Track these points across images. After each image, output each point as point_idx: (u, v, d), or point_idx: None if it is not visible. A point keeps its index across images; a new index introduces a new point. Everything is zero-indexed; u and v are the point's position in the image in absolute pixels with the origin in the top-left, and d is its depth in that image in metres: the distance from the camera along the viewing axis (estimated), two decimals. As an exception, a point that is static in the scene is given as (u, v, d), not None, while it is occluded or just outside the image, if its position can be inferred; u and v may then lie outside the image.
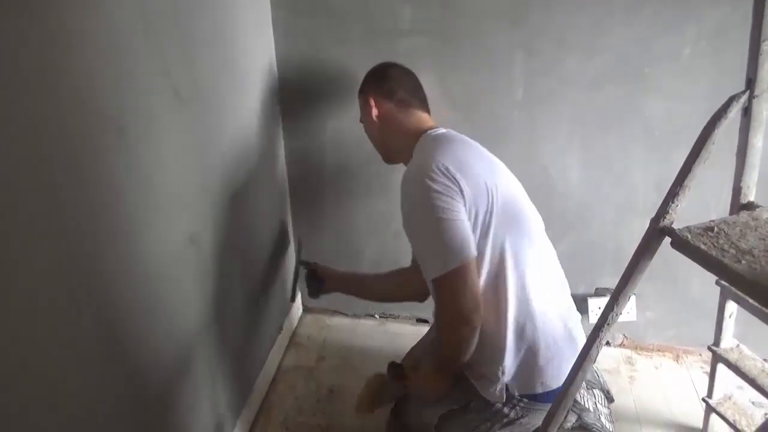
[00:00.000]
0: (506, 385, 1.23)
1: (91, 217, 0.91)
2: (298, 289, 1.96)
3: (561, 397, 1.32)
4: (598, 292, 1.97)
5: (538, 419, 1.28)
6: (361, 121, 1.47)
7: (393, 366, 1.45)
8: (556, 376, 1.22)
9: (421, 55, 1.69)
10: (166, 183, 1.14)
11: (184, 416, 1.31)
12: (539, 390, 1.22)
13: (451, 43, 1.66)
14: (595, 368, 1.78)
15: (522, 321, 1.21)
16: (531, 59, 1.65)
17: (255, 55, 1.62)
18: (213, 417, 1.47)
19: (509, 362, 1.21)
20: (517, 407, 1.25)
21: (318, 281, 1.74)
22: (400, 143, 1.36)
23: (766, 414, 1.68)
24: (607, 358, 2.01)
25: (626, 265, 1.18)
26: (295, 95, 1.83)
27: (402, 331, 2.14)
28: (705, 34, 1.53)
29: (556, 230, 1.89)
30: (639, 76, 1.61)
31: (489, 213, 1.17)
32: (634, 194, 1.79)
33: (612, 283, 1.21)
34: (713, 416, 1.64)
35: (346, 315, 2.24)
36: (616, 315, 1.20)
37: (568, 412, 1.61)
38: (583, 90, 1.66)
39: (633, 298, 1.92)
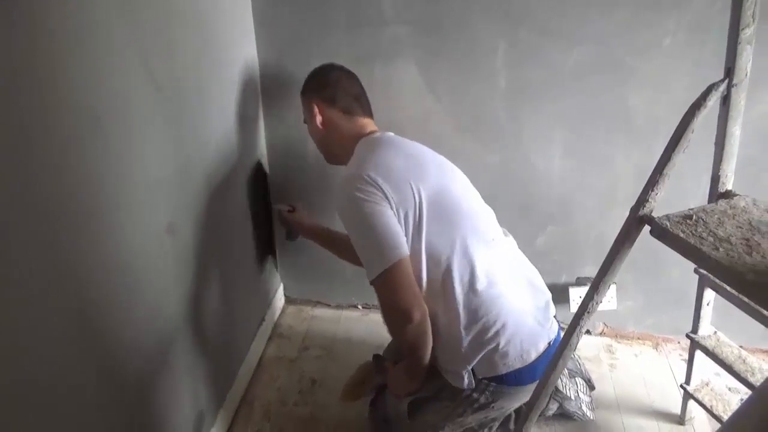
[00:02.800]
0: (471, 370, 1.25)
1: (67, 207, 0.89)
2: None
3: (542, 384, 1.33)
4: (579, 281, 1.99)
5: (510, 402, 1.29)
6: (304, 121, 1.52)
7: (376, 357, 1.47)
8: (519, 355, 1.23)
9: (404, 44, 1.68)
10: (144, 172, 1.12)
11: (164, 408, 1.30)
12: (503, 371, 1.23)
13: (434, 33, 1.65)
14: (576, 356, 1.81)
15: (473, 307, 1.22)
16: (513, 49, 1.64)
17: (235, 43, 1.60)
18: (194, 408, 1.45)
19: (468, 349, 1.23)
20: (486, 392, 1.26)
21: (291, 228, 1.86)
22: (341, 148, 1.42)
23: (742, 399, 1.71)
24: (587, 347, 2.04)
25: (607, 253, 1.19)
26: (277, 84, 1.80)
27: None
28: (685, 24, 1.54)
29: (537, 220, 1.91)
30: (620, 66, 1.62)
31: (418, 210, 1.22)
32: (616, 183, 1.80)
33: (593, 272, 1.22)
34: (691, 402, 1.67)
35: (328, 306, 2.24)
36: (597, 303, 1.21)
37: (549, 400, 1.63)
38: (565, 80, 1.66)
39: (613, 286, 1.94)
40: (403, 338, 1.23)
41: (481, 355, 1.22)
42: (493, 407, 1.28)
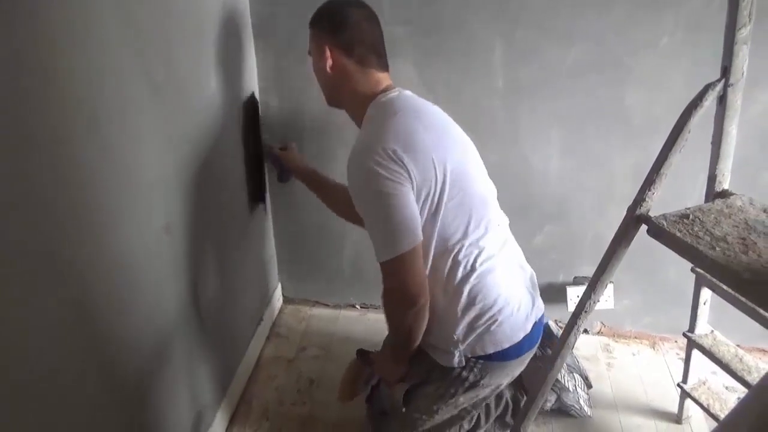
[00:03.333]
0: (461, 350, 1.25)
1: (64, 207, 0.89)
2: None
3: (540, 383, 1.34)
4: (577, 281, 2.00)
5: (496, 378, 1.29)
6: (309, 53, 1.33)
7: (360, 352, 1.47)
8: (508, 337, 1.24)
9: (401, 44, 1.68)
10: (140, 171, 1.12)
11: (163, 407, 1.30)
12: (491, 350, 1.24)
13: (432, 32, 1.65)
14: (574, 355, 1.81)
15: (473, 292, 1.21)
16: (511, 48, 1.64)
17: (233, 40, 1.60)
18: (193, 408, 1.46)
19: (462, 331, 1.23)
20: (475, 369, 1.26)
21: (283, 168, 1.77)
22: (348, 99, 1.29)
23: (738, 398, 1.71)
24: (585, 346, 2.04)
25: (604, 253, 1.19)
26: (274, 82, 1.80)
27: (382, 320, 2.13)
28: (682, 24, 1.54)
29: (535, 219, 1.91)
30: (618, 65, 1.62)
31: (438, 191, 1.15)
32: (613, 182, 1.81)
33: (590, 271, 1.23)
34: (688, 401, 1.67)
35: (326, 305, 2.24)
36: (594, 302, 1.22)
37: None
38: (563, 79, 1.66)
39: (610, 286, 1.94)
40: (401, 322, 1.22)
41: (473, 338, 1.23)
42: (482, 384, 1.28)
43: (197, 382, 1.48)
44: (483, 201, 1.25)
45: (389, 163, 1.10)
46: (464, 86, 1.73)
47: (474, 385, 1.28)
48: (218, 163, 1.52)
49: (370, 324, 2.14)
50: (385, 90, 1.25)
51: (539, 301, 1.33)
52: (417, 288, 1.14)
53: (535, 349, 1.31)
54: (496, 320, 1.22)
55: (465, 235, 1.20)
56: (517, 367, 1.31)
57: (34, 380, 0.86)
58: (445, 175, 1.16)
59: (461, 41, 1.65)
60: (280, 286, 2.22)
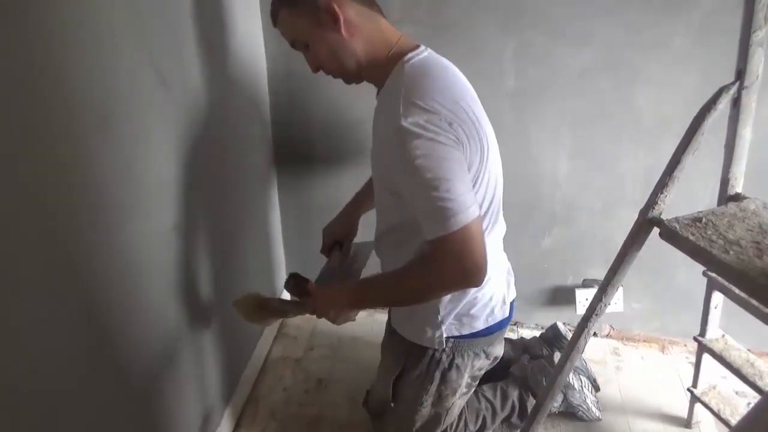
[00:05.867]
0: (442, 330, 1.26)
1: (73, 207, 0.89)
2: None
3: (548, 387, 1.33)
4: (586, 284, 1.98)
5: (465, 358, 1.30)
6: (293, 45, 1.16)
7: (294, 277, 1.28)
8: (485, 319, 1.26)
9: (411, 44, 1.68)
10: (150, 172, 1.12)
11: (171, 407, 1.30)
12: (467, 332, 1.26)
13: (441, 32, 1.65)
14: (582, 358, 1.80)
15: None
16: (522, 49, 1.64)
17: (243, 44, 1.60)
18: (200, 408, 1.46)
19: (446, 311, 1.23)
20: (446, 348, 1.27)
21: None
22: (365, 59, 1.12)
23: (749, 403, 1.70)
24: (594, 349, 2.03)
25: (614, 256, 1.19)
26: (284, 88, 1.80)
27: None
28: (695, 26, 1.53)
29: (544, 221, 1.91)
30: (629, 67, 1.61)
31: (482, 165, 1.09)
32: (622, 185, 1.80)
33: (600, 274, 1.22)
34: (698, 406, 1.66)
35: (334, 306, 2.24)
36: (605, 306, 1.21)
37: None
38: (573, 80, 1.65)
39: (620, 289, 1.93)
40: (444, 291, 1.11)
41: (455, 318, 1.24)
42: (457, 366, 1.29)
43: (205, 383, 1.48)
44: (498, 188, 1.22)
45: (447, 133, 1.00)
46: (474, 86, 1.71)
47: (450, 369, 1.29)
48: (229, 161, 1.52)
49: (378, 324, 2.13)
50: (407, 47, 1.12)
51: (513, 287, 1.36)
52: (482, 261, 1.00)
53: (505, 330, 1.35)
54: (479, 303, 1.23)
55: (483, 213, 1.14)
56: (487, 345, 1.32)
57: (42, 380, 0.86)
58: (488, 149, 1.11)
59: (472, 41, 1.65)
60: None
